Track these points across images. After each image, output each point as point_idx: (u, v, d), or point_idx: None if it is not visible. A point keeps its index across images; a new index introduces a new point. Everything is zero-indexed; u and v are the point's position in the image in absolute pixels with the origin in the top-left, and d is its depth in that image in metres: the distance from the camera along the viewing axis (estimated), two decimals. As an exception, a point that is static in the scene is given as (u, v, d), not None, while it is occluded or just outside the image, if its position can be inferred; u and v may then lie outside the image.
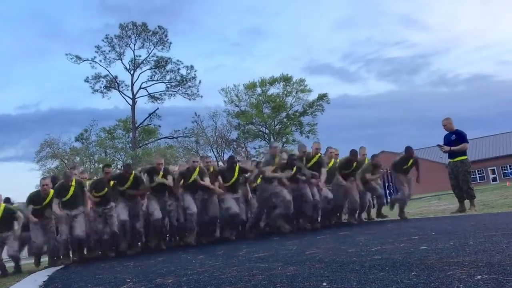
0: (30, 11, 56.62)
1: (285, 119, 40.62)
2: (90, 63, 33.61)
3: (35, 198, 6.84)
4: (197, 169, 7.19)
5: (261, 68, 73.29)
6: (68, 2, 55.45)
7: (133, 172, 7.32)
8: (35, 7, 55.85)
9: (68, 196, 6.73)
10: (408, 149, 7.94)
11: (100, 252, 7.38)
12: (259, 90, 40.60)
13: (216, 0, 62.13)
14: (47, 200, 6.79)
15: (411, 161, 7.97)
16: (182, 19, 60.42)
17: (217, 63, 63.89)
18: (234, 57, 63.65)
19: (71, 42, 55.05)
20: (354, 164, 7.92)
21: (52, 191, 6.83)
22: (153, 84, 35.57)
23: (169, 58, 34.91)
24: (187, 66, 35.30)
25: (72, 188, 6.75)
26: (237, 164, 7.52)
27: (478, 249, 2.84)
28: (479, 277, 1.98)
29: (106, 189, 6.98)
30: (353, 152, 7.97)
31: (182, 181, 7.21)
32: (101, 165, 26.23)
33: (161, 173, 7.15)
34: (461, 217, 6.48)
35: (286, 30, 66.96)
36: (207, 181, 7.13)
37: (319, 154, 7.86)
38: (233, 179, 7.37)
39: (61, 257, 6.99)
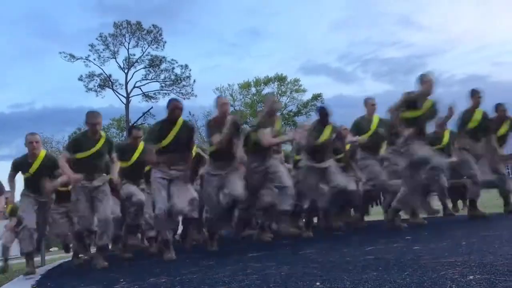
0: (28, 11, 56.09)
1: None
2: (84, 62, 33.38)
3: (20, 164, 4.91)
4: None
5: (259, 68, 73.08)
6: (66, 2, 54.99)
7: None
8: (33, 7, 55.32)
9: (90, 152, 4.36)
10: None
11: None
12: (253, 90, 40.63)
13: (215, 0, 61.93)
14: (35, 165, 4.83)
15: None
16: (181, 19, 60.10)
17: (215, 63, 63.77)
18: (233, 57, 63.48)
19: (69, 42, 54.66)
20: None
21: (43, 152, 4.91)
22: (147, 83, 35.31)
23: (164, 57, 34.72)
24: (181, 65, 35.17)
25: (102, 141, 4.41)
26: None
27: (471, 250, 2.85)
28: (471, 277, 1.99)
29: (134, 157, 5.02)
30: (474, 92, 5.53)
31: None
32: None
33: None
34: (455, 217, 6.51)
35: (285, 31, 66.81)
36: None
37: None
38: (324, 139, 5.08)
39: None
